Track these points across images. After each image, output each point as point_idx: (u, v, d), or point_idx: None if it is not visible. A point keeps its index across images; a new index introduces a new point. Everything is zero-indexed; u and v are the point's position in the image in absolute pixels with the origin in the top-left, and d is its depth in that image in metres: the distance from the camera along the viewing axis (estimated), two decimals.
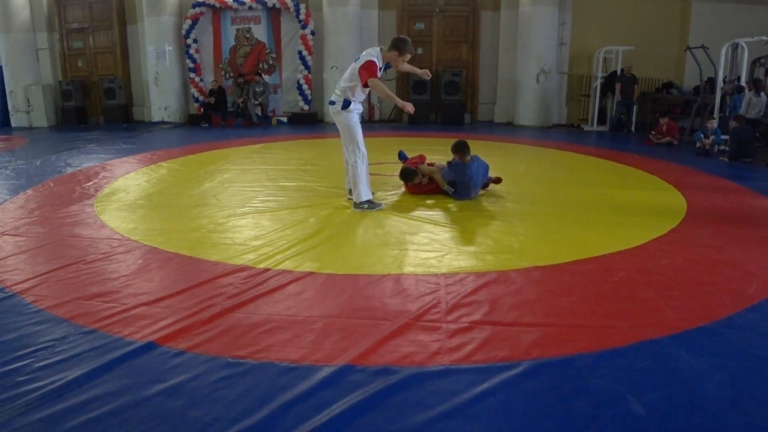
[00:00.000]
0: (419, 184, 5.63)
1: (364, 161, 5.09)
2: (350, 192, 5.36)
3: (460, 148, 5.46)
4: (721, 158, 8.21)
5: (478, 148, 8.93)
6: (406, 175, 5.63)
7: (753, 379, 2.43)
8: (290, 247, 4.12)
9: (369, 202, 5.16)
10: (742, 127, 8.08)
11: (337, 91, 5.06)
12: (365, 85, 4.88)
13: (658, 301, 3.21)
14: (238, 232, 4.55)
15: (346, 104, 4.99)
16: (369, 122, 12.17)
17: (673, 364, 2.53)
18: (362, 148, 5.09)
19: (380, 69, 4.93)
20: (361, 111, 5.19)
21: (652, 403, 2.23)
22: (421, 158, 6.10)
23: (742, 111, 8.82)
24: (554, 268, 3.73)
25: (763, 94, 8.84)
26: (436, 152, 7.61)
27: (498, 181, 6.02)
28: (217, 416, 2.15)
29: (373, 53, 4.89)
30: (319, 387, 2.33)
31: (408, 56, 4.94)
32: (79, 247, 4.19)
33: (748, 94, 8.90)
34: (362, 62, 4.83)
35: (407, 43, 4.92)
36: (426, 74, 5.32)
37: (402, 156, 6.48)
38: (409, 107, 4.89)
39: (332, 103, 5.09)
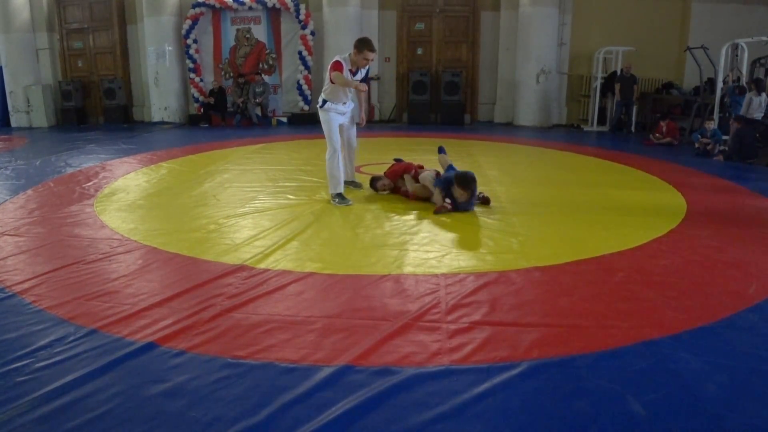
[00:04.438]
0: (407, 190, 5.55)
1: (334, 157, 5.31)
2: (350, 183, 5.88)
3: (465, 184, 4.89)
4: (716, 158, 8.22)
5: (479, 149, 9.01)
6: (372, 181, 5.88)
7: (753, 379, 2.43)
8: (290, 247, 4.12)
9: (339, 195, 5.40)
10: (743, 127, 8.07)
11: (322, 92, 5.41)
12: (332, 81, 5.09)
13: (658, 301, 3.21)
14: (239, 232, 4.55)
15: (323, 103, 5.32)
16: (369, 122, 12.11)
17: (673, 364, 2.53)
18: (335, 144, 5.33)
19: (352, 72, 5.16)
20: (344, 112, 5.42)
21: (652, 403, 2.23)
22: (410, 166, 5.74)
23: (742, 111, 8.80)
24: (554, 268, 3.73)
25: (764, 94, 8.82)
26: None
27: (486, 201, 5.29)
28: (217, 416, 2.15)
29: (339, 57, 5.16)
30: (319, 387, 2.33)
31: (369, 54, 5.06)
32: (79, 247, 4.19)
33: (749, 95, 8.89)
34: (330, 64, 5.17)
35: (364, 41, 5.09)
36: (362, 87, 5.32)
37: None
38: (362, 87, 5.06)
39: (317, 102, 5.48)
